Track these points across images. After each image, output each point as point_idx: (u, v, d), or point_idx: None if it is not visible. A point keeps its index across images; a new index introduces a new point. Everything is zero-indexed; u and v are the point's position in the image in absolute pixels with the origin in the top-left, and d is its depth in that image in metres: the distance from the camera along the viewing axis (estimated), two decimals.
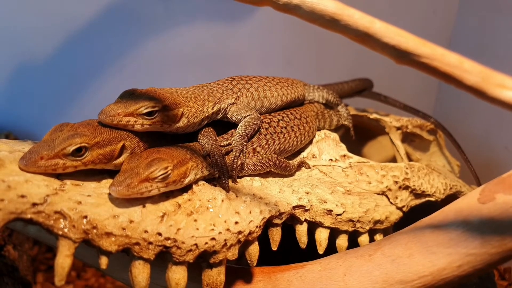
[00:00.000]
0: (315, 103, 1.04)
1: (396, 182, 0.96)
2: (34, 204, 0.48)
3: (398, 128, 1.14)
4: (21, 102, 1.48)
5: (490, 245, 0.56)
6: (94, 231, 0.51)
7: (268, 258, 0.80)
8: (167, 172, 0.58)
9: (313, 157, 0.92)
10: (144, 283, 0.54)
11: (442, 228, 0.61)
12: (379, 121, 1.14)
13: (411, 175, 1.00)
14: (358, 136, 1.28)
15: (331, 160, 0.92)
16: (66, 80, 1.50)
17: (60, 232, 0.49)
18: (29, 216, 0.48)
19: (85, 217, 0.51)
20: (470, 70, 0.48)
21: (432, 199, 1.03)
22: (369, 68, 1.65)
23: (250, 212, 0.67)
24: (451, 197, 1.12)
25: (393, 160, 1.16)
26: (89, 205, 0.52)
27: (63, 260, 0.49)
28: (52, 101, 1.51)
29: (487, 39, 1.53)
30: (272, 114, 0.85)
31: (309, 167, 0.87)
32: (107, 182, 0.59)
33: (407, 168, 1.00)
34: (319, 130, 0.99)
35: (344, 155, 0.94)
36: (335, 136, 0.98)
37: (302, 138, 0.87)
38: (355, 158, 0.95)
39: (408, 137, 1.21)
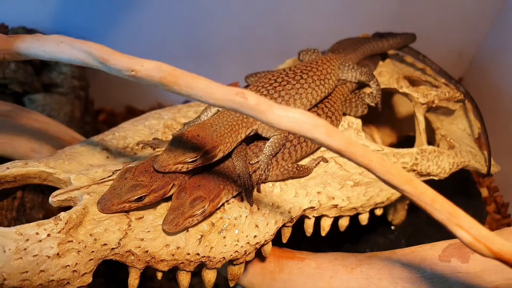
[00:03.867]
0: (347, 83, 1.11)
1: (405, 168, 1.11)
2: (112, 249, 0.71)
3: (423, 103, 1.20)
4: None
5: None
6: (153, 260, 0.74)
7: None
8: (204, 209, 0.78)
9: None
10: (187, 284, 0.80)
11: (407, 267, 0.80)
12: (407, 95, 1.21)
13: (420, 160, 1.12)
14: None
15: None
16: None
17: (130, 264, 0.73)
18: (110, 257, 0.71)
19: (147, 251, 0.74)
20: (439, 209, 0.60)
21: (436, 178, 1.17)
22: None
23: (267, 224, 0.87)
24: (457, 173, 1.24)
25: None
26: (149, 241, 0.74)
27: (133, 281, 0.74)
28: None
29: None
30: None
31: (327, 161, 1.02)
32: (161, 208, 0.80)
33: (418, 154, 1.12)
34: (344, 115, 1.09)
35: (362, 145, 1.07)
36: (357, 124, 1.09)
37: None
38: (371, 147, 1.08)
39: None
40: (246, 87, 1.16)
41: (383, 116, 1.49)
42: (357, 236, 1.41)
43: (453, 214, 0.60)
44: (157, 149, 0.93)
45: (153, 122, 0.99)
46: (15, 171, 0.74)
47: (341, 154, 0.61)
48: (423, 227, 1.47)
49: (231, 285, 0.89)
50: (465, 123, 1.36)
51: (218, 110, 0.95)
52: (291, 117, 0.59)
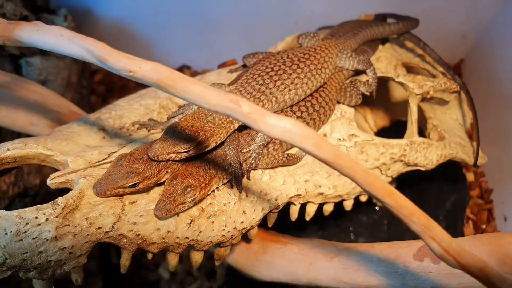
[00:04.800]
0: (344, 70, 1.12)
1: (392, 158, 1.14)
2: (106, 232, 0.75)
3: (418, 94, 1.22)
4: None
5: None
6: (144, 242, 0.79)
7: None
8: (195, 197, 0.82)
9: (324, 136, 1.08)
10: (175, 264, 0.86)
11: (382, 262, 0.86)
12: (403, 84, 1.22)
13: (409, 151, 1.16)
14: None
15: (339, 139, 1.08)
16: None
17: (123, 247, 0.77)
18: (103, 240, 0.75)
19: (139, 235, 0.78)
20: (416, 222, 0.64)
21: (422, 169, 1.21)
22: None
23: (254, 211, 0.92)
24: (444, 164, 1.28)
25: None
26: (141, 225, 0.78)
27: (125, 262, 0.79)
28: None
29: None
30: (293, 109, 0.98)
31: None
32: (154, 192, 0.84)
33: (407, 145, 1.15)
34: (338, 103, 1.11)
35: (352, 134, 1.10)
36: (350, 114, 1.11)
37: (317, 128, 1.02)
38: (362, 137, 1.10)
39: None
40: (244, 66, 1.17)
41: (378, 99, 1.50)
42: (340, 213, 1.47)
43: (428, 226, 0.64)
44: (151, 131, 0.96)
45: (149, 102, 1.01)
46: (15, 153, 0.77)
47: (328, 165, 0.64)
48: None
49: (217, 264, 0.94)
50: (458, 113, 1.39)
51: None
52: (282, 127, 0.61)
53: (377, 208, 1.49)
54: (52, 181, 0.76)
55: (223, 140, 0.87)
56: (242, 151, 0.91)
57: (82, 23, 1.62)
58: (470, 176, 1.76)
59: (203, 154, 0.87)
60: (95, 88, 1.87)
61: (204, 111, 0.85)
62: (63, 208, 0.70)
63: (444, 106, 1.38)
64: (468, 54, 1.96)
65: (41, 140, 0.82)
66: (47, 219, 0.69)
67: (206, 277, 1.49)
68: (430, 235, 0.65)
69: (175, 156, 0.80)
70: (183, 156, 0.81)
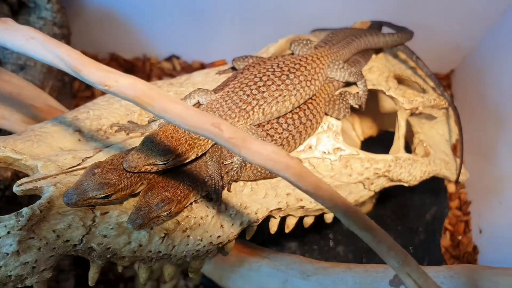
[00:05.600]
0: (334, 81, 1.09)
1: (376, 173, 1.12)
2: (74, 245, 0.71)
3: (407, 109, 1.20)
4: None
5: None
6: (114, 256, 0.76)
7: None
8: (171, 211, 0.78)
9: (309, 148, 1.05)
10: (146, 277, 0.83)
11: (358, 286, 0.85)
12: (393, 99, 1.19)
13: (393, 167, 1.14)
14: None
15: (324, 152, 1.06)
16: None
17: (91, 260, 0.74)
18: (71, 253, 0.72)
19: (109, 248, 0.75)
20: (394, 257, 0.62)
21: (405, 184, 1.20)
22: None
23: (232, 225, 0.89)
24: (427, 180, 1.27)
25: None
26: (112, 238, 0.75)
27: (94, 275, 0.76)
28: None
29: None
30: (280, 121, 0.95)
31: (301, 162, 1.02)
32: (127, 203, 0.80)
33: (392, 161, 1.13)
34: (326, 114, 1.08)
35: (338, 148, 1.07)
36: (337, 127, 1.08)
37: (302, 141, 0.99)
38: (347, 151, 1.08)
39: None
40: (233, 68, 1.13)
41: (367, 108, 1.48)
42: (321, 219, 1.45)
43: (405, 263, 0.63)
44: (130, 134, 0.92)
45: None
46: None
47: (310, 195, 0.61)
48: (387, 220, 1.52)
49: (191, 276, 0.92)
50: (445, 128, 1.37)
51: (199, 102, 0.93)
52: (265, 155, 0.58)
53: None
54: (19, 188, 0.72)
55: (204, 152, 0.84)
56: (224, 163, 0.88)
57: (67, 5, 1.55)
58: (451, 187, 1.77)
59: (183, 164, 0.84)
60: None
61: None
62: (28, 220, 0.66)
63: (432, 121, 1.36)
64: (459, 64, 1.94)
65: (10, 141, 0.78)
66: (8, 232, 0.65)
67: (182, 275, 1.47)
68: (406, 272, 0.63)
69: (152, 168, 0.76)
70: (160, 168, 0.77)
